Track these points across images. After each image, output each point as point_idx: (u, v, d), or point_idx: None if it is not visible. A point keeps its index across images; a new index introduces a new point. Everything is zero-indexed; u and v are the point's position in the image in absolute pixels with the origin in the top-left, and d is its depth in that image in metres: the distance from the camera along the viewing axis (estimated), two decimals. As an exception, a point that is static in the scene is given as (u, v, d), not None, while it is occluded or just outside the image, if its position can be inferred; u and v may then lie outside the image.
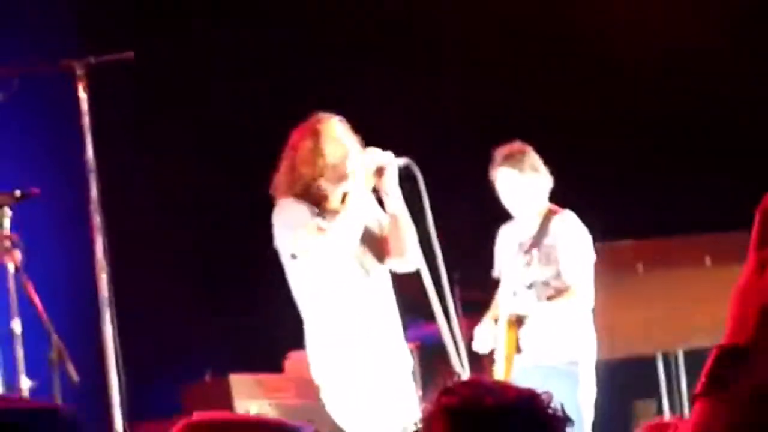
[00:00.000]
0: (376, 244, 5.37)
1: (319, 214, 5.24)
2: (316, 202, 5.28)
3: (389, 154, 5.25)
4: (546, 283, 6.37)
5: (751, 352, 1.36)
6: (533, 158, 6.43)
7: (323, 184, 5.26)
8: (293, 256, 5.25)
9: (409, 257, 5.31)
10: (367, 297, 5.31)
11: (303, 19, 8.61)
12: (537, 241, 6.41)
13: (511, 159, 6.42)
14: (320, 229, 5.19)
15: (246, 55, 8.42)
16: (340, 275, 5.25)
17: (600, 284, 6.51)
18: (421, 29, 8.74)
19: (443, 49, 8.76)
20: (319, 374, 5.31)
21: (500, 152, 6.46)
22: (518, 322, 6.41)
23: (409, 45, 8.65)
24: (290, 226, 5.23)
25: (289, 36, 8.54)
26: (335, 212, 5.24)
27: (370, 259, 5.35)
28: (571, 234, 6.43)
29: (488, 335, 6.49)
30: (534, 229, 6.46)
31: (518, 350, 6.42)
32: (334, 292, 5.26)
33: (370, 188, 5.29)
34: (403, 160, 5.26)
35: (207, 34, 8.40)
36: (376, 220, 5.39)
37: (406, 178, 5.29)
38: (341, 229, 5.18)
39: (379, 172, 5.25)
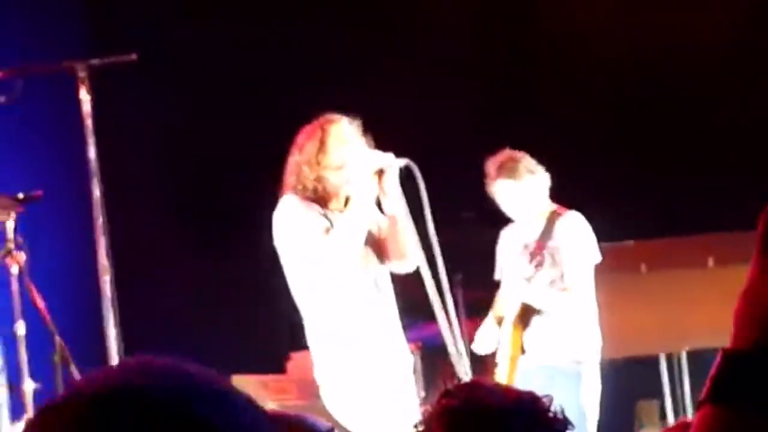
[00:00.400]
0: (375, 246, 5.36)
1: (323, 215, 5.24)
2: (320, 202, 5.27)
3: (389, 156, 5.24)
4: (552, 282, 6.37)
5: (756, 357, 1.35)
6: (526, 162, 6.42)
7: (327, 185, 5.25)
8: (293, 255, 5.25)
9: (409, 259, 5.29)
10: (368, 297, 5.30)
11: (307, 19, 8.61)
12: (543, 243, 6.40)
13: (505, 170, 6.40)
14: (326, 230, 5.19)
15: (250, 57, 8.42)
16: (342, 275, 5.25)
17: (603, 284, 6.50)
18: (426, 30, 8.74)
19: (448, 48, 8.76)
20: (320, 373, 5.32)
21: (493, 164, 6.44)
22: (524, 320, 6.40)
23: (414, 44, 8.65)
24: (293, 225, 5.23)
25: (294, 38, 8.55)
26: (339, 214, 5.24)
27: (371, 260, 5.35)
28: (576, 235, 6.43)
29: (490, 336, 6.49)
30: (539, 230, 6.45)
31: (522, 351, 6.42)
32: (335, 291, 5.26)
33: (374, 191, 5.27)
34: (403, 161, 5.25)
35: (212, 35, 8.40)
36: (375, 221, 5.39)
37: (406, 179, 5.28)
38: (346, 232, 5.18)
39: (380, 173, 5.24)
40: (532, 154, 6.48)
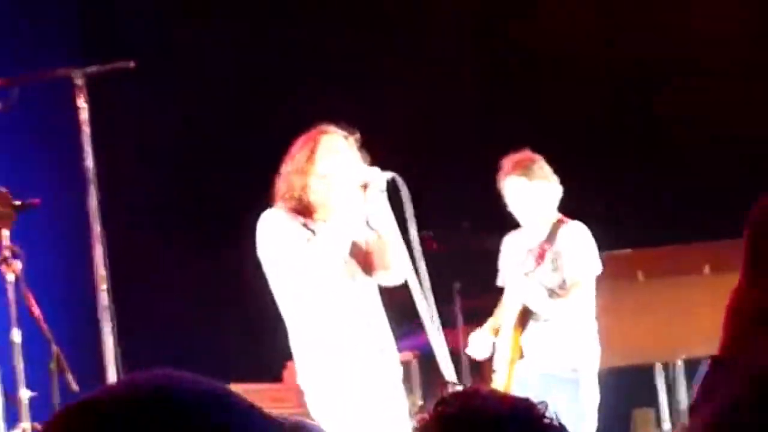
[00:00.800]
0: (362, 258, 5.37)
1: (305, 225, 5.25)
2: (305, 213, 5.28)
3: (375, 170, 5.25)
4: (551, 290, 6.37)
5: (734, 364, 1.37)
6: (543, 167, 6.42)
7: (312, 194, 5.27)
8: (277, 266, 5.26)
9: (395, 271, 5.30)
10: (354, 307, 5.30)
11: (307, 19, 8.62)
12: (547, 246, 6.40)
13: (520, 167, 6.40)
14: (306, 241, 5.20)
15: (250, 59, 8.42)
16: (327, 285, 5.25)
17: (600, 293, 6.51)
18: (426, 30, 8.74)
19: (448, 48, 8.76)
20: (303, 380, 5.33)
21: (509, 161, 6.44)
22: (523, 324, 6.40)
23: (414, 44, 8.65)
24: (274, 235, 5.24)
25: (294, 38, 8.55)
26: (323, 224, 5.25)
27: (357, 271, 5.35)
28: (579, 243, 6.42)
29: (484, 342, 6.48)
30: (542, 237, 6.45)
31: (521, 355, 6.42)
32: (318, 301, 5.26)
33: (361, 203, 5.27)
34: (388, 175, 5.25)
35: (211, 38, 8.41)
36: (363, 234, 5.39)
37: (392, 192, 5.27)
38: (325, 243, 5.19)
39: (365, 187, 5.24)
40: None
